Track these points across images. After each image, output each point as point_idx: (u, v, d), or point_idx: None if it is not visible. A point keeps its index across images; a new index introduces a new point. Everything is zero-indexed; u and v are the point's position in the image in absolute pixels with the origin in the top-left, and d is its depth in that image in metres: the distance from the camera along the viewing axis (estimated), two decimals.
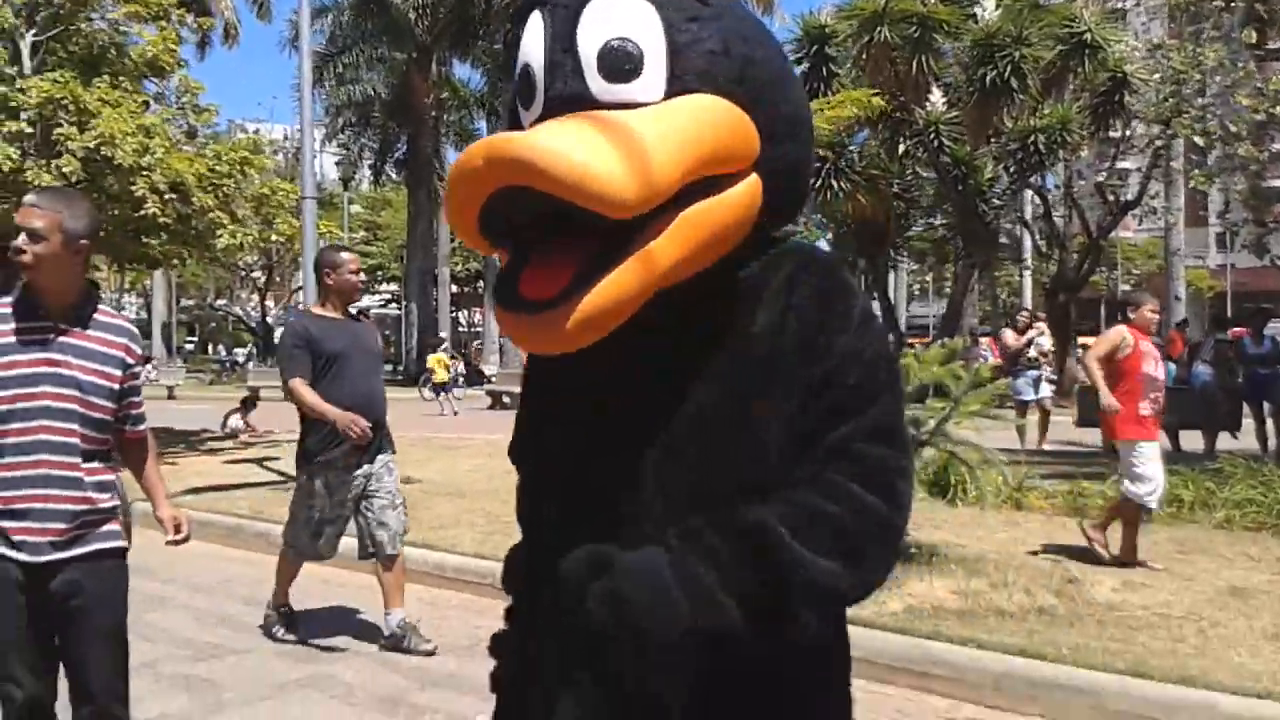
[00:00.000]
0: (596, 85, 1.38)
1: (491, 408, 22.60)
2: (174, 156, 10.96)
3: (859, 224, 17.62)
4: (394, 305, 49.33)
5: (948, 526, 7.11)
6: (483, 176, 1.28)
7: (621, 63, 1.38)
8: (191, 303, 50.19)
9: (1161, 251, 30.44)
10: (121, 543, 2.93)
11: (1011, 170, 17.11)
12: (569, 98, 1.38)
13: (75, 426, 2.80)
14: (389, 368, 18.82)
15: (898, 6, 14.69)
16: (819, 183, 16.23)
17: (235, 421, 15.34)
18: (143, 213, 10.44)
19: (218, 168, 11.34)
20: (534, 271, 1.36)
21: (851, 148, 18.07)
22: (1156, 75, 16.91)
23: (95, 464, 2.86)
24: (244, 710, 4.27)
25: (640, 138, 1.27)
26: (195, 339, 51.86)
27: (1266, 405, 12.53)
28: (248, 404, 15.70)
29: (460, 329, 47.29)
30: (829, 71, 17.57)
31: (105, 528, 2.87)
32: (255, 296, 46.50)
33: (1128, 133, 18.80)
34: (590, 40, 1.38)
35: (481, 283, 42.84)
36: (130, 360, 2.96)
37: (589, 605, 1.32)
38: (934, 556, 6.03)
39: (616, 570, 1.32)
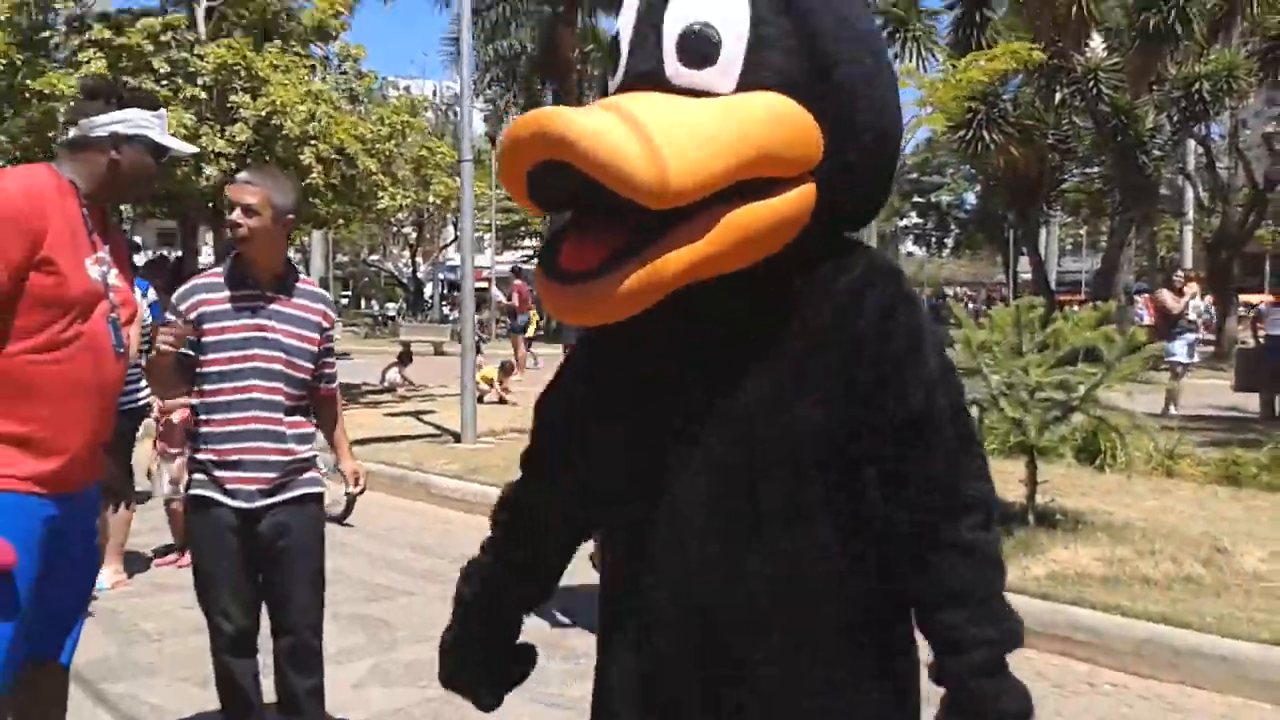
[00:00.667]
0: (672, 67, 1.38)
1: None
2: (339, 124, 11.40)
3: (1011, 177, 17.16)
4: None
5: (1095, 493, 7.02)
6: (526, 147, 1.30)
7: (699, 48, 1.36)
8: (346, 259, 51.91)
9: None
10: (321, 488, 3.24)
11: (1174, 119, 16.36)
12: (644, 75, 1.39)
13: (280, 385, 3.08)
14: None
15: None
16: (969, 134, 15.88)
17: (393, 375, 15.98)
18: (309, 181, 10.92)
19: (380, 131, 11.77)
20: (574, 244, 1.38)
21: (1005, 97, 17.56)
22: None
23: (297, 418, 3.16)
24: (416, 647, 4.59)
25: (692, 131, 1.27)
26: (349, 294, 53.69)
27: None
28: (403, 358, 16.31)
29: None
30: (983, 16, 17.08)
31: (307, 475, 3.18)
32: (406, 253, 47.84)
33: None
34: (675, 21, 1.38)
35: None
36: (326, 325, 3.26)
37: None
38: (1079, 523, 5.99)
39: None
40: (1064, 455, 6.33)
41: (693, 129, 1.28)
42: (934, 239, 54.42)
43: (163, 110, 2.74)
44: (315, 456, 3.24)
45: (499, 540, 1.72)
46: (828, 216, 1.43)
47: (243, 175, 3.20)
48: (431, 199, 13.19)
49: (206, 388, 3.07)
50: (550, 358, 17.09)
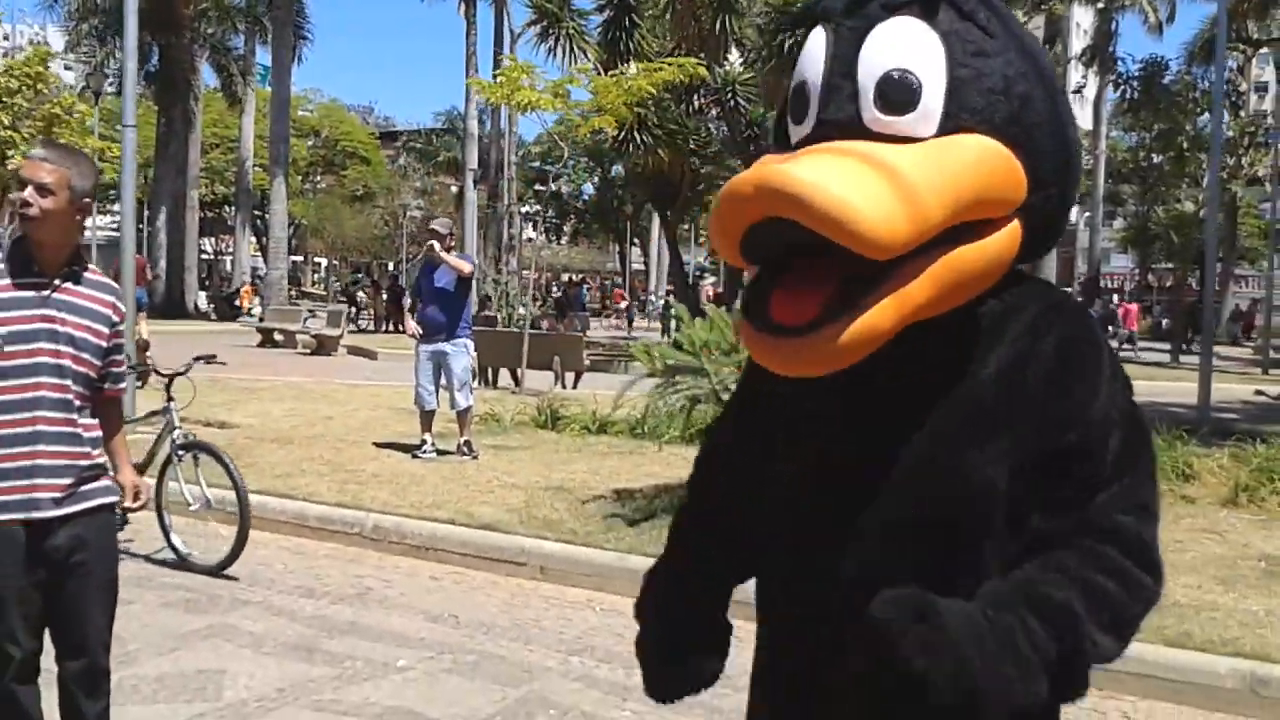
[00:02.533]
0: (870, 114, 1.36)
1: (262, 345, 21.77)
2: None
3: (656, 176, 18.16)
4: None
5: None
6: (750, 204, 1.28)
7: (900, 94, 1.36)
8: None
9: None
10: (116, 497, 2.95)
11: None
12: (842, 123, 1.37)
13: (69, 383, 2.78)
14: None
15: None
16: (623, 135, 16.58)
17: None
18: None
19: (8, 83, 10.44)
20: (786, 296, 1.36)
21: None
22: None
23: (90, 419, 2.87)
24: (158, 661, 4.22)
25: (909, 180, 1.26)
26: None
27: None
28: None
29: (204, 255, 44.76)
30: (632, 22, 17.81)
31: (102, 482, 2.89)
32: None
33: None
34: (871, 67, 1.37)
35: (229, 207, 40.74)
36: (116, 318, 2.94)
37: (903, 649, 1.30)
38: None
39: (941, 621, 1.30)
40: None
41: (912, 178, 1.27)
42: (552, 226, 56.04)
43: None
44: (105, 462, 2.95)
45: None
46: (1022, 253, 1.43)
47: (39, 151, 2.83)
48: None
49: None
50: (163, 335, 15.78)
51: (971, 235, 1.34)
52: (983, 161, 1.34)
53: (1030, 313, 1.43)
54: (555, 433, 9.34)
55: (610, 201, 49.54)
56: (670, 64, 12.75)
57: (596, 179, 50.86)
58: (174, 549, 5.65)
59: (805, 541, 1.47)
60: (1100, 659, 1.34)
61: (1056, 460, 1.38)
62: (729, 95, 17.61)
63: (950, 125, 1.35)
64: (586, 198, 53.10)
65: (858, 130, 1.35)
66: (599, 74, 11.88)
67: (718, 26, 16.97)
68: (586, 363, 14.23)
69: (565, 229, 57.65)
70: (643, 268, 55.98)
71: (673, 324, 6.68)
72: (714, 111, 18.64)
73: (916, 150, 1.32)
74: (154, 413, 6.12)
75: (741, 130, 18.02)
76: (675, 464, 7.50)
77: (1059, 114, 1.45)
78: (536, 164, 47.71)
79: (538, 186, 47.06)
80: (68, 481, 2.76)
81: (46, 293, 2.78)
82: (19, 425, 2.71)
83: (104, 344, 2.88)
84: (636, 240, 53.66)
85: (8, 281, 2.74)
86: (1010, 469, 1.37)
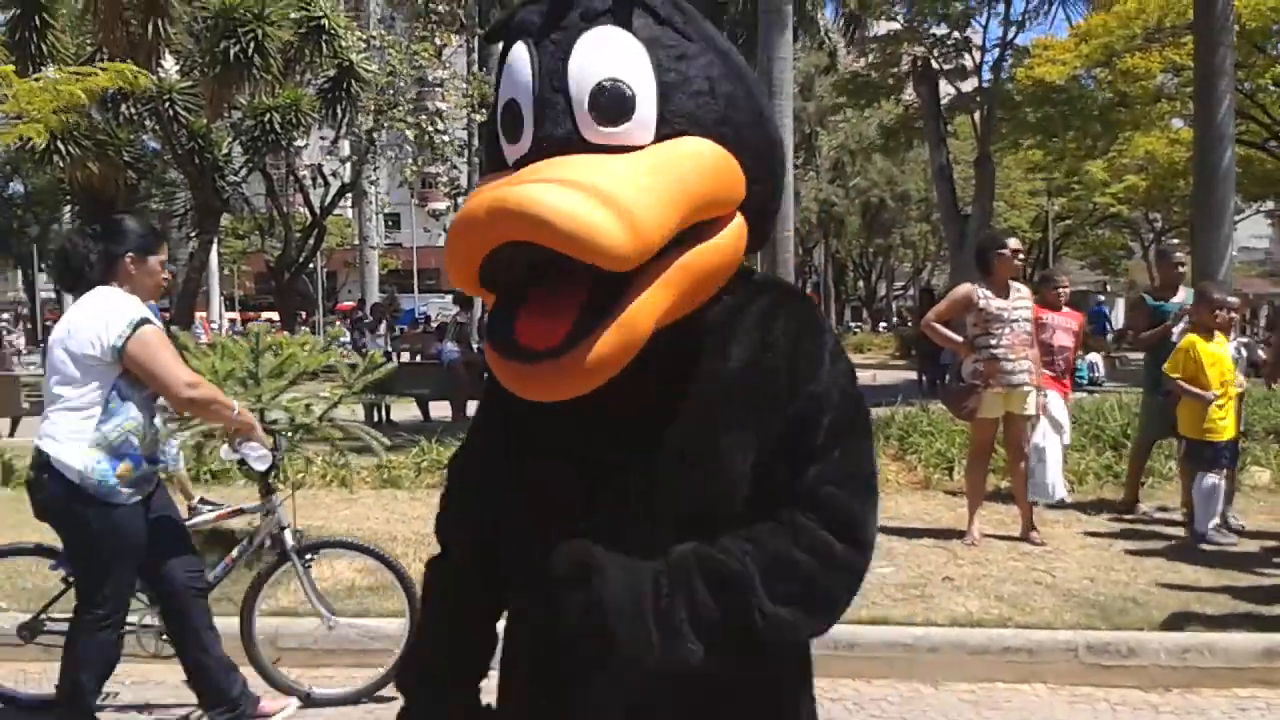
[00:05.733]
0: (588, 127, 1.36)
1: None
2: None
3: (88, 191, 16.21)
4: None
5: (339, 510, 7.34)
6: (487, 229, 1.28)
7: (614, 104, 1.36)
8: None
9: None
10: None
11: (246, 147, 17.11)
12: (560, 139, 1.37)
13: None
14: None
15: None
16: (45, 146, 14.72)
17: None
18: None
19: None
20: (530, 319, 1.36)
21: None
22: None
23: None
24: None
25: (639, 189, 1.28)
26: None
27: None
28: None
29: None
30: (43, 21, 15.91)
31: None
32: None
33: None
34: (582, 79, 1.36)
35: None
36: None
37: (565, 610, 1.36)
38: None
39: (602, 587, 1.35)
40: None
41: (643, 187, 1.29)
42: None
43: None
44: None
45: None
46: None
47: None
48: None
49: None
50: None
51: (701, 236, 1.38)
52: (704, 163, 1.37)
53: (760, 304, 1.50)
54: (9, 489, 8.27)
55: (9, 223, 43.62)
56: (108, 68, 11.52)
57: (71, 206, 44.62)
58: None
59: (555, 537, 1.43)
60: (786, 633, 1.39)
61: (783, 433, 1.44)
62: (167, 104, 16.34)
63: (666, 130, 1.38)
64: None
65: (578, 144, 1.36)
66: (15, 78, 10.39)
67: (149, 30, 15.67)
68: (25, 404, 12.47)
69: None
70: (53, 295, 50.04)
71: None
72: (149, 121, 17.17)
73: (640, 158, 1.34)
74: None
75: (184, 142, 16.84)
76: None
77: (761, 110, 1.50)
78: None
79: None
80: None
81: None
82: None
83: None
84: (45, 265, 47.74)
85: None
86: (756, 454, 1.43)
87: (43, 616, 4.55)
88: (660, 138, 1.37)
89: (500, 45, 1.48)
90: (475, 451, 1.70)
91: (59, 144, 14.61)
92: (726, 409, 1.44)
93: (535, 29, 1.40)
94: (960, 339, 7.00)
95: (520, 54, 1.41)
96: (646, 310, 1.31)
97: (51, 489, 3.81)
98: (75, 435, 3.79)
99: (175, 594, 4.11)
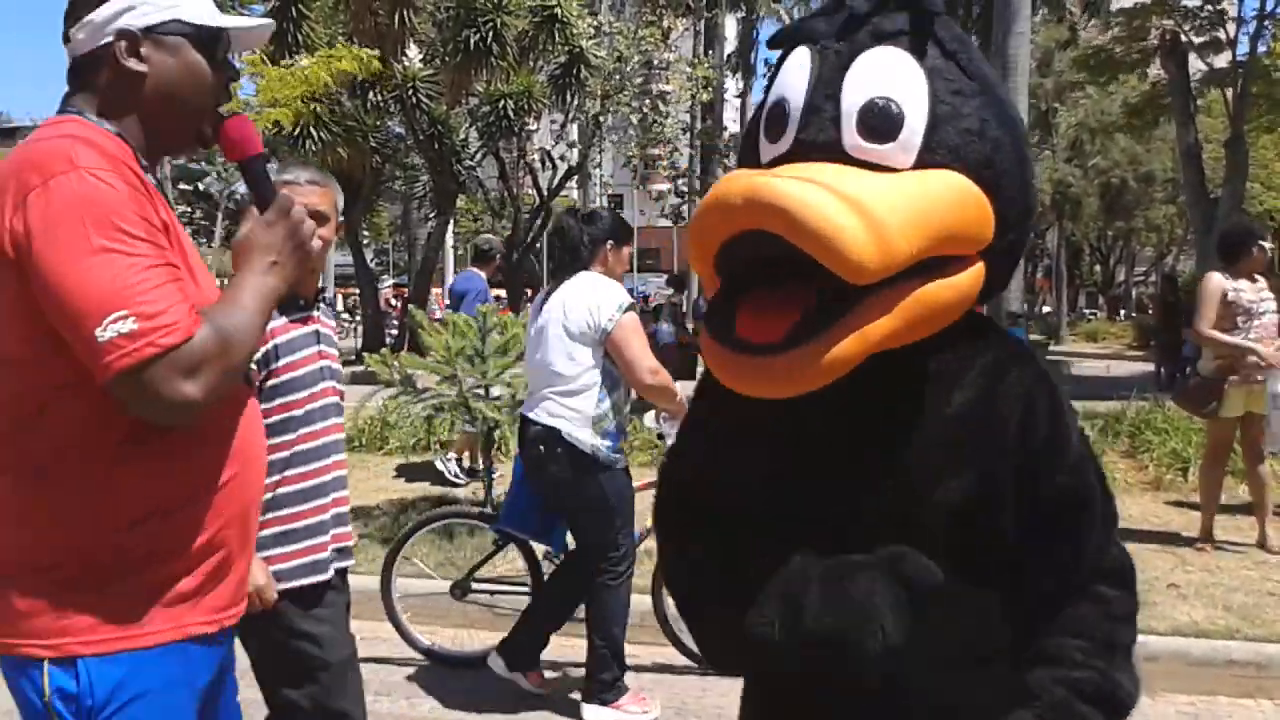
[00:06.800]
0: (851, 139, 1.37)
1: None
2: None
3: (337, 175, 17.44)
4: None
5: None
6: (738, 215, 1.29)
7: (882, 122, 1.37)
8: None
9: None
10: None
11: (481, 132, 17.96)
12: (821, 145, 1.38)
13: (342, 421, 2.74)
14: None
15: None
16: (299, 132, 15.85)
17: None
18: None
19: None
20: (754, 313, 1.36)
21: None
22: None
23: None
24: None
25: (892, 208, 1.28)
26: None
27: None
28: None
29: None
30: (299, 12, 17.07)
31: None
32: None
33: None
34: (856, 93, 1.38)
35: None
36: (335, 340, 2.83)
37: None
38: None
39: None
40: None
41: (897, 207, 1.29)
42: (201, 228, 52.55)
43: None
44: None
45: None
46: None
47: (307, 175, 2.77)
48: None
49: None
50: None
51: (940, 271, 1.37)
52: (960, 199, 1.37)
53: (988, 357, 1.47)
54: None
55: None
56: (350, 54, 12.30)
57: None
58: None
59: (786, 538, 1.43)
60: (1126, 692, 1.49)
61: (1045, 502, 1.43)
62: (410, 92, 17.28)
63: (927, 160, 1.38)
64: (239, 197, 50.20)
65: (837, 154, 1.37)
66: (268, 66, 11.23)
67: (396, 21, 16.59)
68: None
69: (216, 230, 54.19)
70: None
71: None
72: (394, 108, 18.20)
73: (898, 180, 1.34)
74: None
75: (425, 128, 17.76)
76: (404, 477, 7.26)
77: (1025, 163, 1.49)
78: (181, 162, 44.55)
79: (181, 185, 43.98)
80: (348, 529, 2.72)
81: (315, 328, 2.67)
82: (321, 474, 2.60)
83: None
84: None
85: (282, 322, 2.56)
86: (977, 500, 1.40)
87: (472, 577, 4.77)
88: (919, 165, 1.38)
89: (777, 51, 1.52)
90: (690, 455, 1.68)
91: (311, 129, 15.76)
92: (947, 451, 1.42)
93: (823, 37, 1.44)
94: (1247, 343, 6.53)
95: (801, 57, 1.44)
96: (879, 327, 1.32)
97: (563, 462, 4.01)
98: (578, 411, 4.03)
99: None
